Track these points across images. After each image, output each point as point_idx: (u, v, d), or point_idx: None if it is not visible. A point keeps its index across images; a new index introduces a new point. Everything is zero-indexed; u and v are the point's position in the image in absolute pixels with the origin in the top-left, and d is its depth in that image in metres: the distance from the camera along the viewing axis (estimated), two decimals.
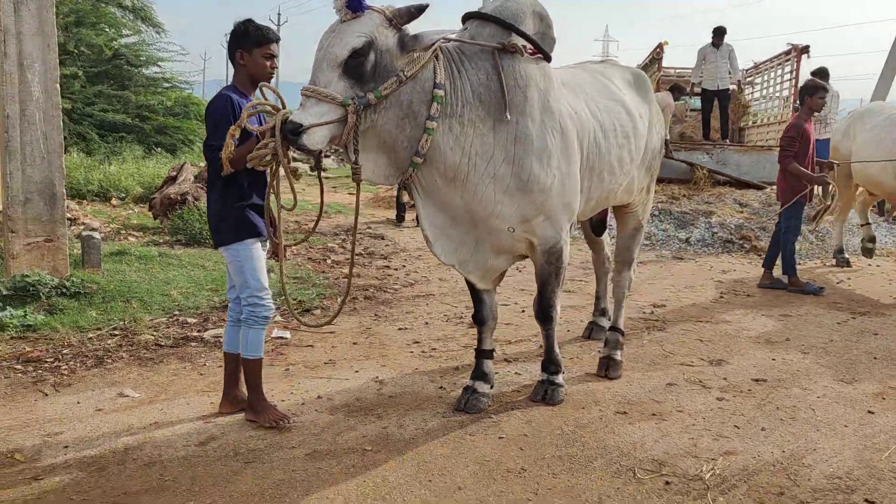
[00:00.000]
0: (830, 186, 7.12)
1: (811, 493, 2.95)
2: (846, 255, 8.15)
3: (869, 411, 3.84)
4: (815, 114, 9.95)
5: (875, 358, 4.76)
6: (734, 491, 2.95)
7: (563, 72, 3.82)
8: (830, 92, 10.37)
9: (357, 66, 2.93)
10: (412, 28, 3.10)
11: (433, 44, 3.05)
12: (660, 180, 10.47)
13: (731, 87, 12.13)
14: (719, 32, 11.70)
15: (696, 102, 13.92)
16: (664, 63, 12.85)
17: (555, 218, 3.45)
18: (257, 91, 3.45)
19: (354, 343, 4.80)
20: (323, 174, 3.37)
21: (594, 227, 4.83)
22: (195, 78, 25.70)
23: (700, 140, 12.11)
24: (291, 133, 2.86)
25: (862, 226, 8.18)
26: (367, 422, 3.53)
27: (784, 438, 3.47)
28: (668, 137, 10.77)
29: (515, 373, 4.29)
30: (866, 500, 2.90)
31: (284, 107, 3.21)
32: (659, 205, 9.80)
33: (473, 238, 3.48)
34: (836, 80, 10.84)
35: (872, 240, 7.96)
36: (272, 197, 3.29)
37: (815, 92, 6.59)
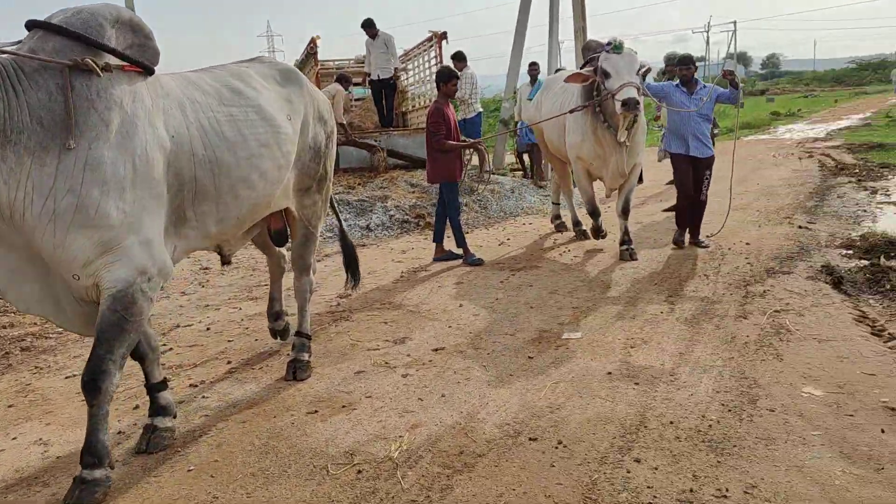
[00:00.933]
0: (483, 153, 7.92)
1: (486, 445, 3.25)
2: (579, 226, 8.32)
3: (529, 356, 4.33)
4: (459, 95, 10.94)
5: (531, 307, 5.38)
6: (421, 462, 3.13)
7: (177, 83, 3.44)
8: (468, 73, 11.43)
9: None
10: None
11: None
12: (339, 171, 10.71)
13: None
14: (366, 24, 12.19)
15: (359, 91, 14.47)
16: (321, 56, 13.10)
17: (127, 258, 2.96)
18: None
19: (10, 406, 4.18)
20: None
21: (274, 237, 4.54)
22: None
23: (368, 128, 12.62)
24: None
25: (553, 203, 8.82)
26: (31, 493, 3.11)
27: (461, 400, 3.77)
28: (344, 122, 11.06)
29: (203, 396, 4.09)
30: (530, 439, 3.28)
31: None
32: (336, 195, 9.97)
33: (60, 282, 2.99)
34: (473, 61, 11.98)
35: (558, 217, 8.70)
36: None
37: (448, 79, 7.16)
